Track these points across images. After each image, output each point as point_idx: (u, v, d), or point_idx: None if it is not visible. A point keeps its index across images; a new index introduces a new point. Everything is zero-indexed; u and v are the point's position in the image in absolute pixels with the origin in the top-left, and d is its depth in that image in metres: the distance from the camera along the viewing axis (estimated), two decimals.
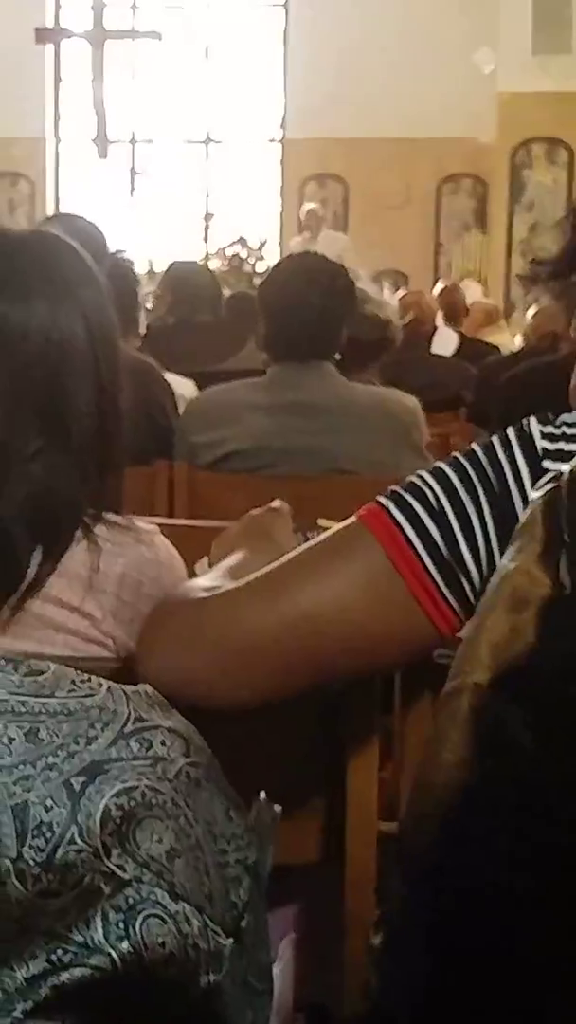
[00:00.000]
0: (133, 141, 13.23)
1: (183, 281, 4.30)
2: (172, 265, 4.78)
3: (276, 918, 1.01)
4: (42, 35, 11.94)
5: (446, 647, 1.17)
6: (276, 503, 1.55)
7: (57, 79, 13.13)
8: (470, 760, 0.54)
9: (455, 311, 7.13)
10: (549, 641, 0.53)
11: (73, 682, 0.65)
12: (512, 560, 0.59)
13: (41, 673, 0.65)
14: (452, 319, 6.96)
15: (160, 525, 1.87)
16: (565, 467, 1.13)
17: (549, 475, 0.64)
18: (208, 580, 1.24)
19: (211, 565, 1.44)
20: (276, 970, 0.90)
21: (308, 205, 11.56)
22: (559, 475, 0.62)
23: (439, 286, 7.95)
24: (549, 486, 0.61)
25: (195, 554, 1.52)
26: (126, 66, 12.70)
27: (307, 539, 1.67)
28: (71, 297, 1.21)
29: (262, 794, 0.71)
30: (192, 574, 1.47)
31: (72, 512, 1.18)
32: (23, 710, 0.63)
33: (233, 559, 1.33)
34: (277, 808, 0.71)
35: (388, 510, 1.10)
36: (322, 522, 1.72)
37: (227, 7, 13.16)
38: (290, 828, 1.03)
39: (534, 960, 0.56)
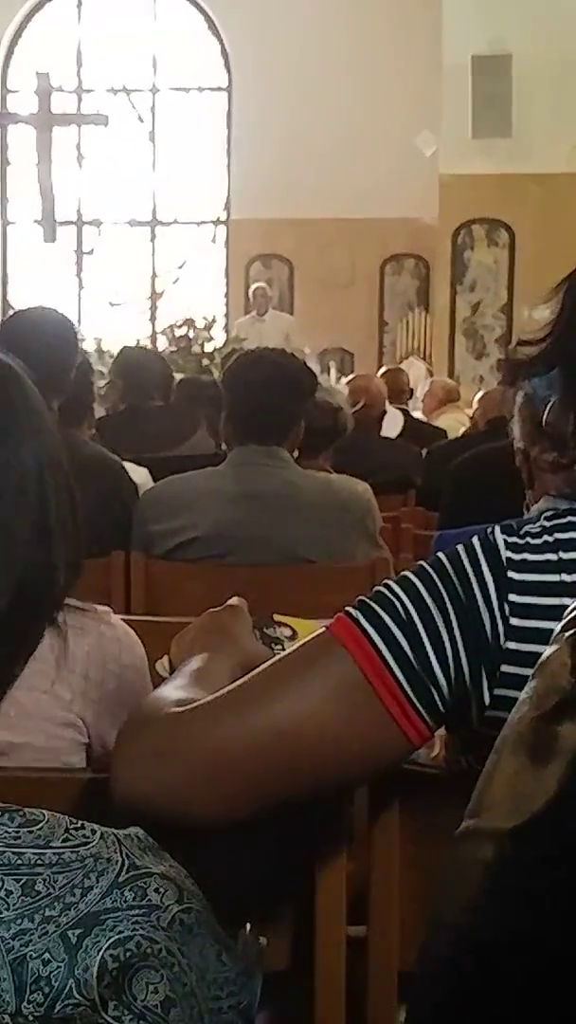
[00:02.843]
0: (80, 222, 13.35)
1: (134, 367, 4.33)
2: (123, 351, 4.80)
3: None
4: None
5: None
6: (234, 600, 1.56)
7: (4, 162, 13.25)
8: (485, 909, 0.53)
9: (399, 391, 7.30)
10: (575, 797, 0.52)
11: (67, 830, 0.66)
12: (530, 698, 0.57)
13: (36, 823, 0.66)
14: (396, 399, 7.12)
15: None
16: (532, 577, 1.16)
17: (572, 608, 0.60)
18: (176, 689, 1.24)
19: (171, 663, 1.44)
20: None
21: (256, 284, 11.70)
22: None
23: (383, 369, 8.11)
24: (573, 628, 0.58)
25: (154, 649, 1.53)
26: (72, 149, 12.85)
27: (265, 635, 1.69)
28: (24, 429, 1.21)
29: (247, 926, 0.71)
30: (154, 674, 1.47)
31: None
32: (20, 862, 0.64)
33: (196, 662, 1.33)
34: (263, 940, 0.71)
35: (358, 622, 1.12)
36: (279, 617, 1.74)
37: (172, 91, 13.39)
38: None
39: None
